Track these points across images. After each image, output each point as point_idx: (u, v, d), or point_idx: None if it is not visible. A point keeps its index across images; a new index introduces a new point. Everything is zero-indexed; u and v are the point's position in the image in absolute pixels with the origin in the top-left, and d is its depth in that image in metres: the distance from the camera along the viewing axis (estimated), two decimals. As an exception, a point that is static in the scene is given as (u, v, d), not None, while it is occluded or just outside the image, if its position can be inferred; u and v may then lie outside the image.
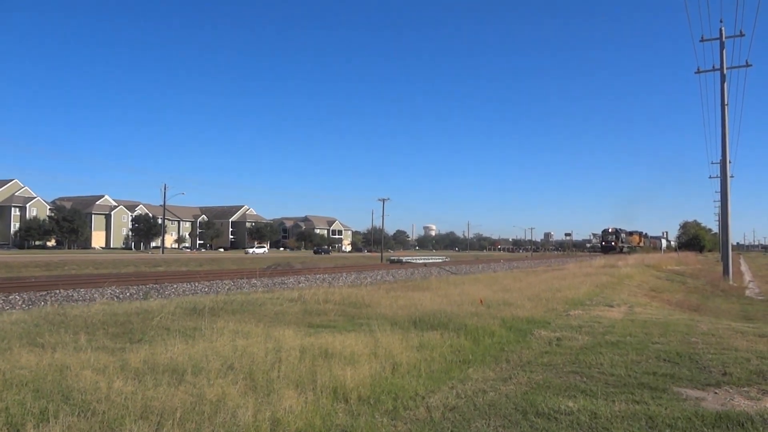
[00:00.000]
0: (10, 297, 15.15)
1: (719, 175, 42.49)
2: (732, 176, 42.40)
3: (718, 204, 72.06)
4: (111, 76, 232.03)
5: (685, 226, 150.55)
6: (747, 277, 47.13)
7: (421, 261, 47.38)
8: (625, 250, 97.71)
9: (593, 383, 6.44)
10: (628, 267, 34.39)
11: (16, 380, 5.56)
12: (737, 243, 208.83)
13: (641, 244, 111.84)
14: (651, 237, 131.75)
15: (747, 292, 31.40)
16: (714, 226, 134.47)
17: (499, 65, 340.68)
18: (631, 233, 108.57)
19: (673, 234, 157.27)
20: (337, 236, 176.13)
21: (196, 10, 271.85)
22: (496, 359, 7.82)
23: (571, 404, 5.51)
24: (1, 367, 6.01)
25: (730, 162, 35.24)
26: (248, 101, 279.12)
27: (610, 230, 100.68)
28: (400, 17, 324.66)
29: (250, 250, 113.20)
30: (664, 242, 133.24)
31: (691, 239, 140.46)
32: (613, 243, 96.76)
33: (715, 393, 6.15)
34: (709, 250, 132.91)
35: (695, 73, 35.49)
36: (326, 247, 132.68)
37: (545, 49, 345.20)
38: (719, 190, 46.02)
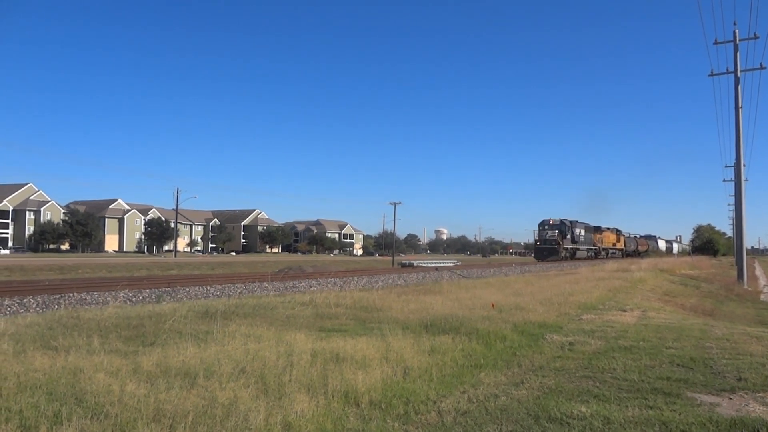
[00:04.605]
0: (25, 300, 15.27)
1: (733, 179, 42.13)
2: (746, 179, 41.97)
3: (733, 208, 71.29)
4: (124, 80, 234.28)
5: (698, 230, 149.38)
6: (762, 281, 46.63)
7: (432, 265, 47.30)
8: (580, 254, 64.17)
9: (606, 388, 6.40)
10: (641, 271, 34.14)
11: (30, 383, 5.60)
12: (752, 247, 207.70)
13: (619, 245, 79.21)
14: (645, 237, 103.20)
15: (762, 297, 31.07)
16: (728, 230, 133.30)
17: (510, 70, 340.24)
18: (598, 229, 72.40)
19: (687, 237, 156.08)
20: (348, 240, 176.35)
21: (209, 14, 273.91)
22: (508, 364, 7.78)
23: (583, 409, 5.48)
24: (15, 370, 6.06)
25: (744, 165, 34.94)
26: (260, 105, 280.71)
27: (550, 222, 61.31)
28: (413, 23, 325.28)
29: None
30: (662, 243, 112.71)
31: (705, 243, 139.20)
32: (555, 244, 59.34)
33: (730, 399, 6.09)
34: (723, 254, 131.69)
35: (709, 75, 35.10)
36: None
37: (557, 54, 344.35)
38: (733, 194, 45.59)
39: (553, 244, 59.47)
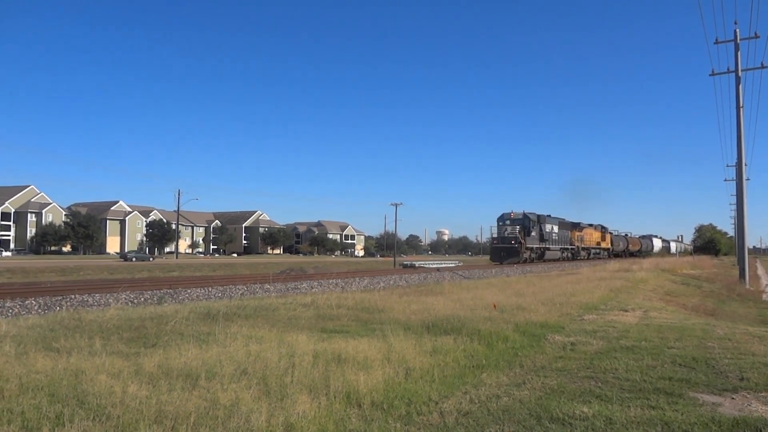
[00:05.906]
0: (27, 302, 15.29)
1: (735, 178, 42.09)
2: (748, 179, 41.95)
3: (734, 207, 71.10)
4: (125, 82, 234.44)
5: (700, 230, 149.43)
6: (764, 281, 46.60)
7: (433, 266, 47.27)
8: (552, 255, 53.41)
9: (608, 388, 6.39)
10: (643, 271, 34.17)
11: (32, 384, 5.61)
12: (753, 247, 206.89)
13: (605, 244, 69.78)
14: (642, 236, 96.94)
15: (764, 296, 31.05)
16: (730, 230, 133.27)
17: (511, 70, 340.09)
18: (577, 225, 61.93)
19: (689, 237, 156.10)
20: (349, 241, 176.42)
21: (209, 15, 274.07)
22: (510, 364, 7.78)
23: (585, 409, 5.47)
24: (17, 372, 6.07)
25: (745, 164, 34.94)
26: (261, 106, 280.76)
27: (512, 216, 49.58)
28: (413, 23, 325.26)
29: None
30: (658, 242, 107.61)
31: (707, 243, 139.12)
32: (516, 243, 48.09)
33: (732, 398, 6.08)
34: (725, 254, 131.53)
35: (709, 75, 35.14)
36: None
37: (557, 54, 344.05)
38: (735, 193, 45.48)
39: (513, 243, 48.15)
